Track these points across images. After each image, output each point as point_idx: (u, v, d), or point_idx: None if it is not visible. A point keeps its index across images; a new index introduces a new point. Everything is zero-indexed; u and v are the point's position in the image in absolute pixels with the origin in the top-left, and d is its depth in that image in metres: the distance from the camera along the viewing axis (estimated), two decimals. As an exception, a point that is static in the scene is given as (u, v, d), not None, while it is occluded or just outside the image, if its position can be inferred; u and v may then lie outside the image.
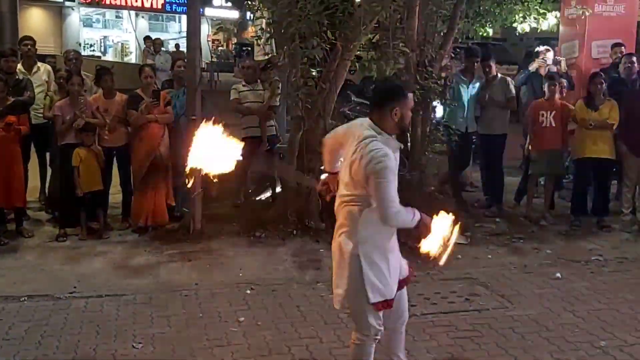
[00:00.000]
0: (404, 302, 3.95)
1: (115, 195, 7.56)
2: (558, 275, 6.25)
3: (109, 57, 33.59)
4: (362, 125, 3.63)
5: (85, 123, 6.79)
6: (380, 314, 3.70)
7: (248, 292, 5.69)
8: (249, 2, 7.90)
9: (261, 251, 6.67)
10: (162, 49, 18.32)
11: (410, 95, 3.68)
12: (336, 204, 3.81)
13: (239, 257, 6.51)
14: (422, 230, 3.58)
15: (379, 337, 3.78)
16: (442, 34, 7.90)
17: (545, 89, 7.79)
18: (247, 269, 6.23)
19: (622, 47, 8.80)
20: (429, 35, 7.61)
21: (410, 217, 3.55)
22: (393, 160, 3.49)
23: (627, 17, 9.22)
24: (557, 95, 7.74)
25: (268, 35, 7.24)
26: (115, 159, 7.30)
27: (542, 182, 8.43)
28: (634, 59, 8.27)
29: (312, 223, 7.09)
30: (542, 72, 8.76)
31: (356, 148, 3.54)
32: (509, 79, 8.36)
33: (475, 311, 5.34)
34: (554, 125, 7.70)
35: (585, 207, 7.90)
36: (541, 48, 9.66)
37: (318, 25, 6.52)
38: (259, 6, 7.33)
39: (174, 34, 36.44)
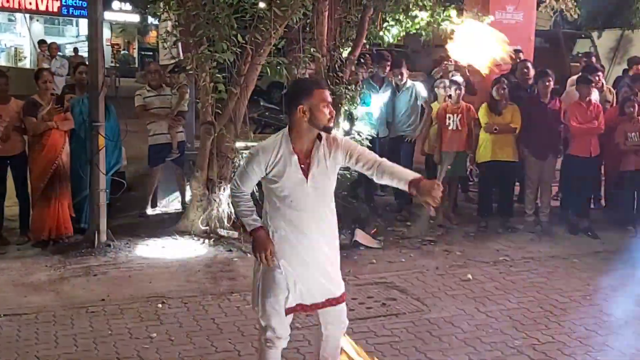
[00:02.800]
0: None
1: (12, 207, 7.11)
2: (469, 276, 6.37)
3: (2, 61, 31.86)
4: None
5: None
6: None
7: (159, 306, 5.45)
8: (153, 5, 7.64)
9: (172, 262, 6.43)
10: (59, 53, 17.56)
11: (320, 90, 3.43)
12: None
13: (148, 270, 6.25)
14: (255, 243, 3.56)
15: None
16: (350, 40, 7.93)
17: (452, 92, 7.97)
18: (157, 281, 5.98)
19: (520, 54, 9.13)
20: (339, 41, 7.61)
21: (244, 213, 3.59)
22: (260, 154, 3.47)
23: (526, 25, 9.58)
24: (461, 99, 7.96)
25: (175, 38, 7.02)
26: (9, 169, 6.86)
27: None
28: (529, 64, 8.61)
29: (224, 231, 6.93)
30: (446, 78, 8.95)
31: None
32: (419, 84, 8.52)
33: (392, 315, 5.35)
34: (459, 128, 7.89)
35: (490, 209, 8.13)
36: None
37: (228, 28, 6.38)
38: (164, 8, 7.09)
39: (70, 38, 35.11)
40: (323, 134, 3.50)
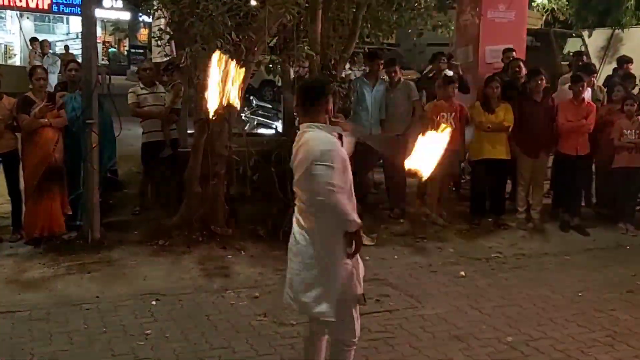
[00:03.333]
0: None
1: (4, 205, 7.09)
2: (462, 273, 6.42)
3: (-8, 59, 31.65)
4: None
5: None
6: None
7: (153, 303, 5.47)
8: (146, 3, 7.63)
9: (165, 260, 6.43)
10: (50, 50, 17.51)
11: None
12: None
13: (142, 267, 6.25)
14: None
15: None
16: (343, 38, 7.95)
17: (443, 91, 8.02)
18: (151, 278, 5.99)
19: (513, 52, 9.18)
20: (332, 39, 7.62)
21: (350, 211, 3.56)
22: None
23: (518, 23, 9.62)
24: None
25: (168, 36, 7.02)
26: (1, 166, 6.83)
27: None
28: (521, 63, 8.67)
29: (218, 229, 6.93)
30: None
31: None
32: (411, 83, 8.55)
33: (387, 312, 5.38)
34: (453, 126, 7.91)
35: (483, 206, 8.17)
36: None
37: (222, 26, 6.37)
38: (158, 6, 7.08)
39: (61, 35, 34.87)
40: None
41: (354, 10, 7.79)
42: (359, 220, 3.56)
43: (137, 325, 5.01)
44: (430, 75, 9.21)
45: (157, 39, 7.07)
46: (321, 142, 3.50)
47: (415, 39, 10.84)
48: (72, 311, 5.24)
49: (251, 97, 12.27)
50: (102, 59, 31.23)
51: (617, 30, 16.51)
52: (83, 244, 6.61)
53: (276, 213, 7.19)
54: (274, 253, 6.61)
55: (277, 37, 7.32)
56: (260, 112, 12.42)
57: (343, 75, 8.01)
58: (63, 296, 5.55)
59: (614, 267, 6.78)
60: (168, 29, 7.05)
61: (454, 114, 7.89)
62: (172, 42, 7.17)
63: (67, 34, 34.41)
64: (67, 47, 22.63)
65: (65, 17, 35.62)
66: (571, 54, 13.28)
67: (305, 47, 6.98)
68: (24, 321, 5.04)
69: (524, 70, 8.55)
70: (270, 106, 12.68)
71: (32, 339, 4.75)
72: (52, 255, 6.38)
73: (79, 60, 7.34)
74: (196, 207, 6.98)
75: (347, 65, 8.10)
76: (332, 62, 7.50)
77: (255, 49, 6.78)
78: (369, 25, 8.46)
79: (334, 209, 3.47)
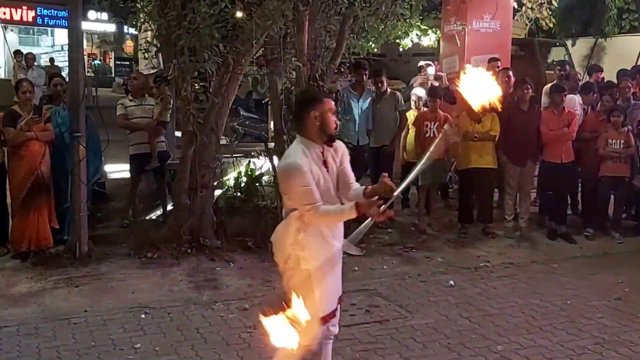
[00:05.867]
0: None
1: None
2: (451, 282, 6.43)
3: (-25, 72, 31.44)
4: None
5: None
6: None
7: (142, 316, 5.43)
8: (133, 15, 7.62)
9: (154, 272, 6.40)
10: (35, 63, 17.41)
11: (329, 100, 3.69)
12: None
13: (131, 280, 6.21)
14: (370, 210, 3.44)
15: None
16: (330, 49, 7.97)
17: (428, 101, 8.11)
18: (140, 291, 5.96)
19: (498, 62, 9.26)
20: (319, 50, 7.65)
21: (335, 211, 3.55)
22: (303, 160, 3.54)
23: (503, 33, 9.72)
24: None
25: (155, 48, 7.02)
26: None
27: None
28: (510, 73, 8.74)
29: (207, 240, 6.92)
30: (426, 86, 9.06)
31: None
32: (398, 93, 8.61)
33: (377, 322, 5.38)
34: (437, 135, 7.97)
35: (471, 215, 8.21)
36: (422, 63, 10.02)
37: (209, 38, 6.38)
38: (145, 18, 7.08)
39: (46, 47, 34.74)
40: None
41: (340, 21, 7.83)
42: (348, 205, 3.51)
43: (126, 339, 4.98)
44: (417, 86, 9.27)
45: (144, 51, 7.06)
46: (288, 156, 3.61)
47: (401, 49, 10.93)
48: (60, 325, 5.19)
49: (238, 108, 12.26)
50: (88, 71, 31.14)
51: (600, 40, 16.68)
52: (71, 258, 6.56)
53: (265, 224, 7.19)
54: (263, 264, 6.60)
55: (264, 49, 7.33)
56: (247, 122, 12.44)
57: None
58: (51, 310, 5.50)
59: (601, 274, 6.82)
60: (155, 41, 7.05)
61: (437, 123, 7.95)
62: (160, 55, 7.16)
63: (52, 46, 34.28)
64: (52, 60, 22.62)
65: (50, 29, 35.47)
66: (555, 62, 13.41)
67: (292, 59, 6.99)
68: (11, 336, 4.99)
69: (512, 80, 8.63)
70: (257, 117, 12.68)
71: (20, 354, 4.70)
72: (39, 269, 6.33)
73: (65, 72, 7.32)
74: (184, 219, 6.97)
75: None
76: (320, 73, 7.52)
77: (243, 60, 6.79)
78: (356, 36, 8.51)
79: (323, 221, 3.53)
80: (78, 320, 5.31)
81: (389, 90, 8.44)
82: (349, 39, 8.16)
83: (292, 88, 7.34)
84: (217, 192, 7.18)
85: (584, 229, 8.19)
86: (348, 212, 3.47)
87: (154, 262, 6.62)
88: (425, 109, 8.26)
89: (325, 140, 3.64)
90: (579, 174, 8.45)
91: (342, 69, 8.75)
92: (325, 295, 3.71)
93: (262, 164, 7.39)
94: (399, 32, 9.67)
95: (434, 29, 9.41)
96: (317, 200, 3.50)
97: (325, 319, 3.74)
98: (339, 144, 3.75)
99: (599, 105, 8.56)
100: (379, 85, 8.31)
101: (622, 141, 7.95)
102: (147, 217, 7.96)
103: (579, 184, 8.64)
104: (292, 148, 3.66)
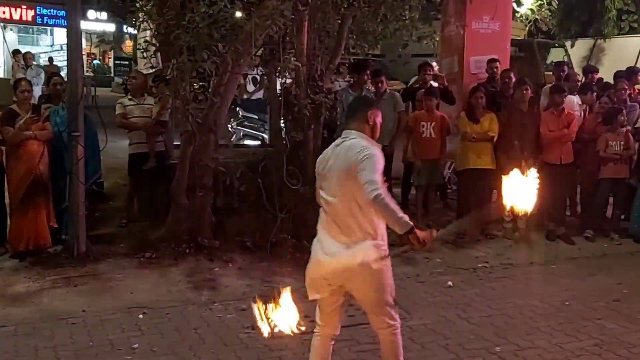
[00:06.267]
0: None
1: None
2: (450, 283, 6.43)
3: (-26, 71, 31.39)
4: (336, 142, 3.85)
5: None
6: None
7: (140, 316, 5.43)
8: (132, 15, 7.61)
9: (152, 273, 6.38)
10: (34, 62, 17.41)
11: (380, 110, 3.93)
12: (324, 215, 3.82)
13: (129, 280, 6.20)
14: (412, 241, 3.51)
15: None
16: (329, 49, 7.97)
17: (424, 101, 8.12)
18: (138, 292, 5.95)
19: (497, 63, 9.25)
20: (318, 50, 7.64)
21: (397, 212, 3.52)
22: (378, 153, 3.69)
23: (502, 34, 9.70)
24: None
25: (154, 48, 7.01)
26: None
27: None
28: (511, 74, 8.74)
29: (205, 241, 6.90)
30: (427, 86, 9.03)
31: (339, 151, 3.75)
32: (397, 94, 8.60)
33: (375, 323, 5.36)
34: (433, 136, 7.99)
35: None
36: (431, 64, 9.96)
37: (208, 38, 6.37)
38: (144, 18, 7.07)
39: (45, 47, 34.69)
40: None
41: (339, 21, 7.83)
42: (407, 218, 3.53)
43: (124, 339, 4.98)
44: (416, 86, 9.25)
45: (142, 50, 7.04)
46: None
47: (400, 50, 10.91)
48: (58, 325, 5.19)
49: (237, 109, 12.23)
50: (87, 71, 31.11)
51: (599, 41, 16.70)
52: (69, 257, 6.55)
53: (263, 224, 7.19)
54: (262, 265, 6.60)
55: (263, 49, 7.33)
56: (246, 123, 12.41)
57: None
58: (49, 310, 5.49)
59: (600, 275, 6.83)
60: (154, 41, 7.03)
61: (434, 124, 7.95)
62: (158, 54, 7.15)
63: (51, 45, 34.22)
64: (51, 59, 22.56)
65: (49, 28, 35.45)
66: (554, 63, 13.41)
67: (292, 59, 6.98)
68: (9, 336, 4.99)
69: (513, 80, 8.64)
70: (256, 117, 12.65)
71: (17, 354, 4.70)
72: (37, 269, 6.32)
73: (64, 71, 7.31)
74: (183, 219, 6.96)
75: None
76: (319, 73, 7.51)
77: (242, 60, 6.79)
78: (355, 37, 8.51)
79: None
80: (76, 320, 5.30)
81: (388, 90, 8.43)
82: (348, 39, 8.16)
83: (292, 88, 7.35)
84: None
85: (583, 230, 8.19)
86: (403, 223, 3.48)
87: (152, 262, 6.61)
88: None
89: None
90: (578, 176, 8.44)
91: (341, 69, 8.74)
92: None
93: (260, 164, 7.37)
94: (403, 32, 9.61)
95: (431, 38, 9.33)
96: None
97: None
98: None
99: (597, 106, 8.56)
100: (379, 85, 8.30)
101: (621, 142, 7.95)
102: (146, 217, 7.92)
103: (578, 185, 8.64)
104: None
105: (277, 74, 7.16)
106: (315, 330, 3.99)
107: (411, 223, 3.51)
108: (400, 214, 3.52)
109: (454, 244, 7.63)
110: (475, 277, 6.70)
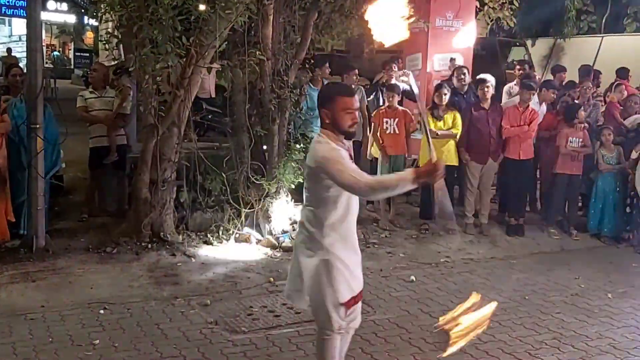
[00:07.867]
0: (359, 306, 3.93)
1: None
2: (412, 278, 6.49)
3: None
4: None
5: None
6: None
7: (101, 312, 5.34)
8: (93, 6, 7.49)
9: (113, 267, 6.28)
10: (-9, 53, 17.07)
11: (343, 97, 3.56)
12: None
13: (89, 275, 6.10)
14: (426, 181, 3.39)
15: (342, 331, 3.78)
16: (294, 44, 7.95)
17: (385, 97, 8.18)
18: (99, 287, 5.85)
19: (455, 61, 9.34)
20: (283, 45, 7.62)
21: (393, 182, 3.40)
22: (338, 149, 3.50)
23: (465, 32, 9.78)
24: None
25: (116, 39, 6.90)
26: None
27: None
28: (466, 70, 8.84)
29: (167, 235, 6.84)
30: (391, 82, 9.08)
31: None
32: (361, 88, 8.64)
33: (339, 318, 5.37)
34: (397, 132, 8.05)
35: (432, 212, 8.28)
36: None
37: (171, 30, 6.30)
38: (106, 9, 6.95)
39: (3, 37, 33.97)
40: None
41: (305, 16, 7.81)
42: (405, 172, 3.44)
43: (84, 334, 4.89)
44: (382, 82, 9.30)
45: (104, 42, 6.93)
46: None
47: (364, 46, 10.93)
48: (16, 321, 5.08)
49: (201, 102, 12.10)
50: (46, 63, 30.54)
51: (559, 40, 16.99)
52: (27, 252, 6.40)
53: (227, 219, 7.15)
54: (225, 260, 6.56)
55: (227, 42, 7.27)
56: (210, 116, 12.29)
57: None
58: (7, 306, 5.37)
59: (558, 270, 6.96)
60: (116, 33, 6.93)
61: (397, 119, 8.01)
62: (121, 46, 7.05)
63: (9, 36, 33.52)
64: (9, 50, 22.13)
65: (7, 19, 34.67)
66: (515, 62, 13.60)
67: (257, 52, 6.95)
68: (-34, 332, 4.87)
69: (468, 78, 8.74)
70: (220, 111, 12.55)
71: (-26, 350, 4.59)
72: (-5, 264, 6.18)
73: (23, 63, 7.14)
74: (145, 214, 6.87)
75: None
76: (284, 68, 7.49)
77: (206, 53, 6.73)
78: (320, 32, 8.51)
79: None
80: (35, 316, 5.19)
81: (354, 86, 8.45)
82: (313, 34, 8.15)
83: (256, 82, 7.32)
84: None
85: (542, 225, 8.34)
86: (404, 182, 3.33)
87: (114, 257, 6.51)
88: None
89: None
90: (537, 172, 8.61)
91: (307, 65, 8.73)
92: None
93: (226, 159, 7.32)
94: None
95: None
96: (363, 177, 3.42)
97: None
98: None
99: (558, 104, 8.72)
100: (354, 78, 8.35)
101: (580, 139, 8.11)
102: (106, 212, 7.81)
103: (538, 182, 8.80)
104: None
105: (242, 68, 7.11)
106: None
107: (407, 172, 3.39)
108: (395, 179, 3.41)
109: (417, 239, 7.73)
110: (437, 272, 6.77)
